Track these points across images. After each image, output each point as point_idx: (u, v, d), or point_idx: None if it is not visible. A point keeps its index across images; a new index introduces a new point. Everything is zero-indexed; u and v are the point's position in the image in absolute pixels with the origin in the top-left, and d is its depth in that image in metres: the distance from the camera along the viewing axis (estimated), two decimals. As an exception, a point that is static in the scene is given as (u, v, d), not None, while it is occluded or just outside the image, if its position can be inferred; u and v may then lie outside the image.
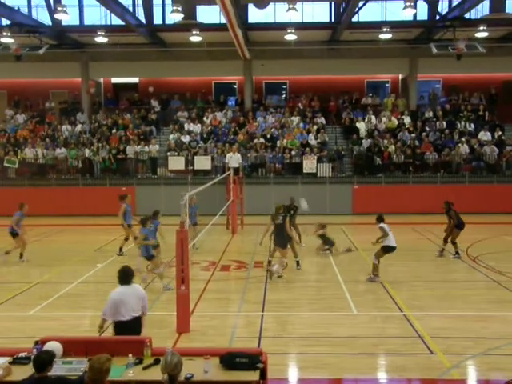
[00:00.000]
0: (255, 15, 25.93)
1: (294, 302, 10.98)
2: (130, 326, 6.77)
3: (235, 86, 30.00)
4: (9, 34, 22.11)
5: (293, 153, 24.09)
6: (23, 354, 5.99)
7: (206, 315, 10.03)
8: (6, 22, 22.92)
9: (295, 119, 26.47)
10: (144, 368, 5.67)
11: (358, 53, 27.22)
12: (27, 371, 5.60)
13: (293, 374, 7.75)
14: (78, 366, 5.67)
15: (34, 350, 5.83)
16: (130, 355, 5.74)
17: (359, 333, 8.99)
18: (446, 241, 14.87)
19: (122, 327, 6.80)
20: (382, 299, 11.00)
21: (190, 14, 23.64)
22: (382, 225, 12.13)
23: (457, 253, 14.63)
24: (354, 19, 24.41)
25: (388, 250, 12.20)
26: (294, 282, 12.45)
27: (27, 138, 25.87)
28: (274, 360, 7.02)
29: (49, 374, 5.21)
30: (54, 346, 5.81)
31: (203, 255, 15.28)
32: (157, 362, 5.69)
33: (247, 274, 13.34)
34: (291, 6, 20.76)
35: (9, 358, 5.96)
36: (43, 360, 5.16)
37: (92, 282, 12.83)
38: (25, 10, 24.19)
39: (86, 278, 13.04)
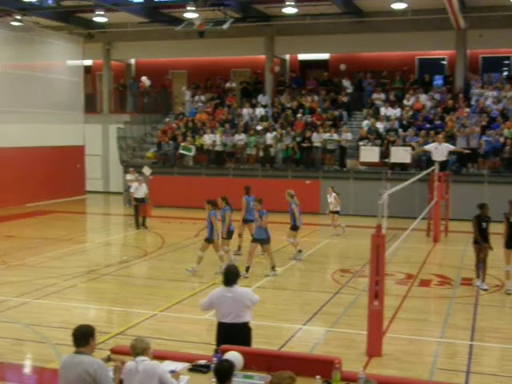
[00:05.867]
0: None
1: (512, 331, 10.47)
2: (231, 331, 7.33)
3: (444, 62, 29.07)
4: (193, 9, 23.79)
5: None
6: (202, 362, 6.52)
7: (400, 338, 10.01)
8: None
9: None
10: (333, 393, 5.85)
11: None
12: (206, 380, 6.10)
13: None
14: (260, 381, 6.00)
15: (214, 359, 6.30)
16: (318, 376, 5.93)
17: None
18: None
19: (220, 329, 7.52)
20: None
21: (394, -24, 23.41)
22: None
23: None
24: None
25: None
26: (512, 306, 11.86)
27: (205, 122, 27.66)
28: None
29: (230, 386, 5.65)
30: (235, 357, 6.21)
31: (398, 266, 15.14)
32: (347, 387, 5.84)
33: (452, 293, 12.97)
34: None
35: (187, 364, 6.53)
36: (225, 370, 5.59)
37: (268, 287, 13.37)
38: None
39: (263, 282, 13.63)
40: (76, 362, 5.83)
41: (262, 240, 14.09)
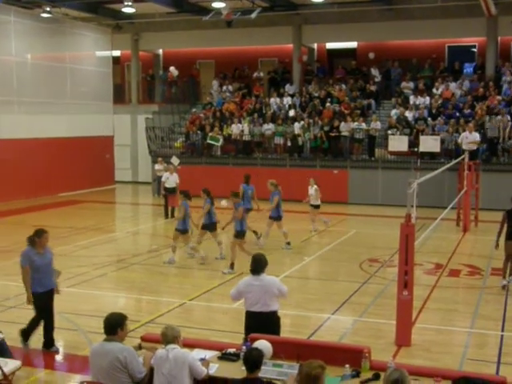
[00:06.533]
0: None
1: (544, 322, 10.35)
2: (259, 320, 7.39)
3: (474, 50, 28.67)
4: (222, -3, 23.90)
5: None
6: (231, 350, 6.58)
7: (429, 328, 9.97)
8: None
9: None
10: (362, 382, 5.87)
11: None
12: (235, 368, 6.16)
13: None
14: (289, 370, 6.03)
15: (243, 348, 6.36)
16: (347, 366, 5.96)
17: None
18: None
19: (248, 317, 7.60)
20: None
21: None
22: None
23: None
24: None
25: None
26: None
27: (233, 111, 27.70)
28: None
29: (259, 375, 5.69)
30: (264, 346, 6.26)
31: (427, 256, 15.05)
32: (376, 377, 5.85)
33: (482, 283, 12.90)
34: None
35: (217, 353, 6.59)
36: (255, 358, 5.65)
37: (296, 276, 13.43)
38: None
39: (290, 272, 13.68)
40: (106, 349, 5.97)
41: (236, 232, 13.75)
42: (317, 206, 17.98)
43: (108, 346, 6.00)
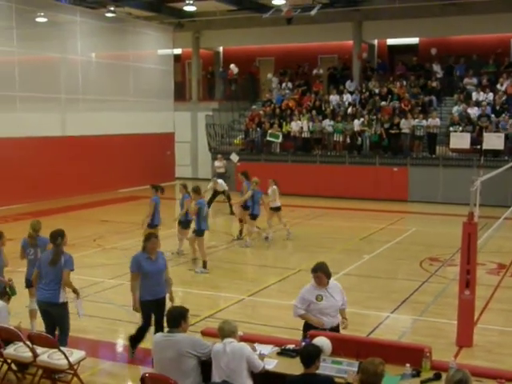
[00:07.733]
0: None
1: None
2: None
3: (540, 43, 27.85)
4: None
5: None
6: (291, 346, 6.60)
7: (492, 329, 9.78)
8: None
9: None
10: (422, 382, 5.80)
11: None
12: (294, 364, 6.17)
13: None
14: (348, 368, 6.02)
15: (303, 344, 6.38)
16: (408, 365, 5.91)
17: None
18: None
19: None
20: None
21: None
22: None
23: None
24: None
25: None
26: None
27: (293, 108, 27.69)
28: None
29: (317, 371, 5.70)
30: (324, 343, 6.28)
31: (489, 255, 14.70)
32: (437, 377, 5.77)
33: (548, 284, 12.54)
34: None
35: (276, 348, 6.63)
36: (309, 354, 5.69)
37: (355, 274, 13.32)
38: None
39: (349, 270, 13.58)
40: (173, 341, 6.17)
41: (196, 231, 13.53)
42: (277, 208, 16.49)
43: (173, 338, 6.18)
